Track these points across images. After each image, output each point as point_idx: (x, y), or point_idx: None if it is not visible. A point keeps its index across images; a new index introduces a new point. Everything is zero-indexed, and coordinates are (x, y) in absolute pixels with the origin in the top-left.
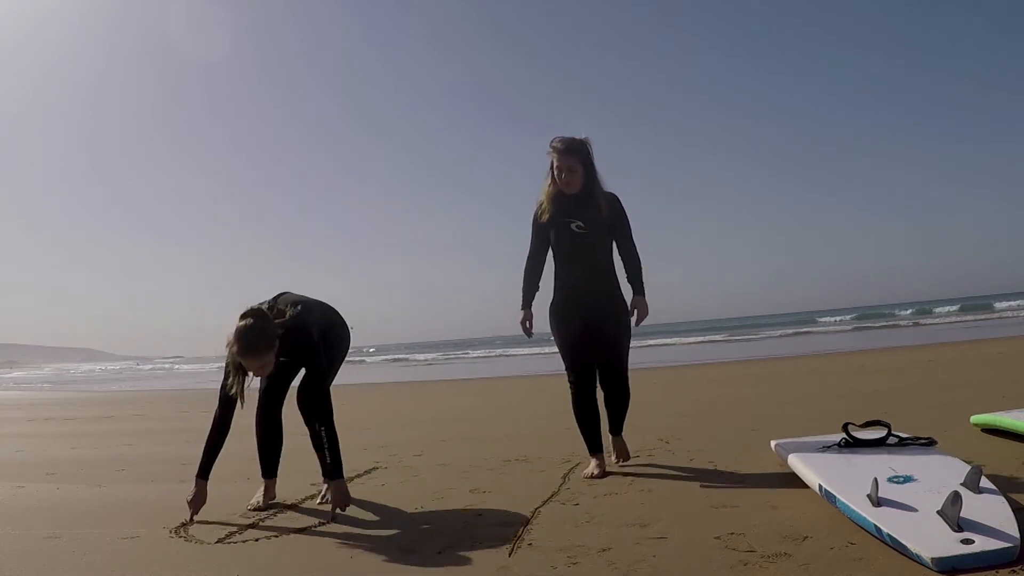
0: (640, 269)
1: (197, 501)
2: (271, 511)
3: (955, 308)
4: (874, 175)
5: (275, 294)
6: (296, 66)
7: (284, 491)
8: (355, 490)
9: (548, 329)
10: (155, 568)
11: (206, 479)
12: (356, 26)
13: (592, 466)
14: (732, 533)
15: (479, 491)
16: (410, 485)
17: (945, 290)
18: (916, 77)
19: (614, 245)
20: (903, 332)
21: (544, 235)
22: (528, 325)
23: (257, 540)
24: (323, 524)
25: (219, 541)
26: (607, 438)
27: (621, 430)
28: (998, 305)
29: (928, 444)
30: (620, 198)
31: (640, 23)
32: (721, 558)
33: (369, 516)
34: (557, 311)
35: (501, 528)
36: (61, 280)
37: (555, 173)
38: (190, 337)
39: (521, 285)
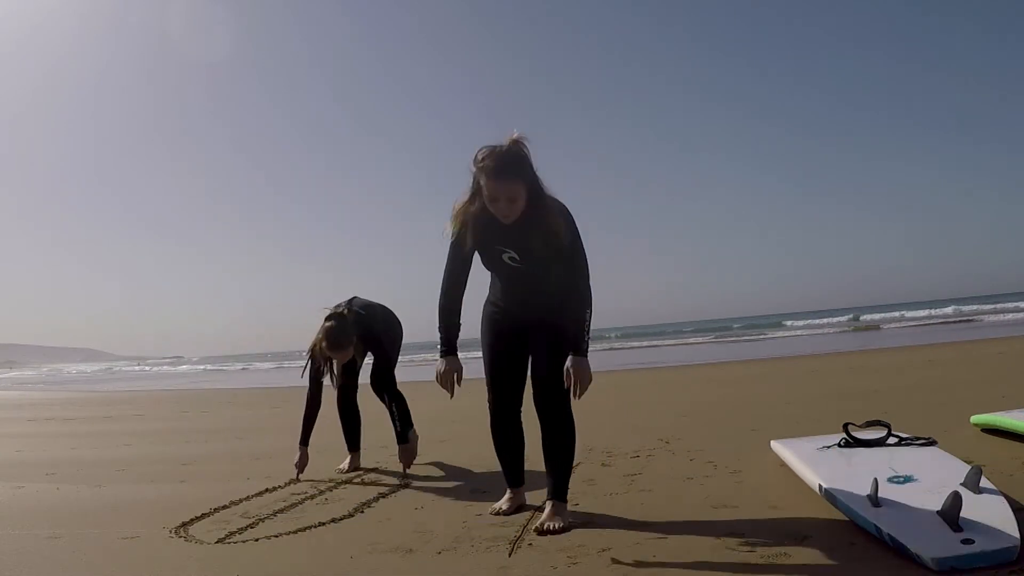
0: (584, 317)
1: (302, 463)
2: (271, 511)
3: (955, 308)
4: (875, 175)
5: (348, 298)
6: (296, 66)
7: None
8: (355, 491)
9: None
10: (155, 568)
11: (307, 445)
12: (355, 26)
13: (503, 500)
14: (732, 533)
15: (479, 491)
16: (410, 485)
17: (945, 290)
18: (916, 76)
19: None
20: (903, 332)
21: (466, 259)
22: (453, 380)
23: (257, 540)
24: (322, 524)
25: (219, 541)
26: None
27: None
28: (997, 305)
29: (928, 444)
30: (568, 208)
31: (639, 23)
32: (721, 558)
33: (369, 516)
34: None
35: (501, 528)
36: (61, 280)
37: (488, 203)
38: (190, 337)
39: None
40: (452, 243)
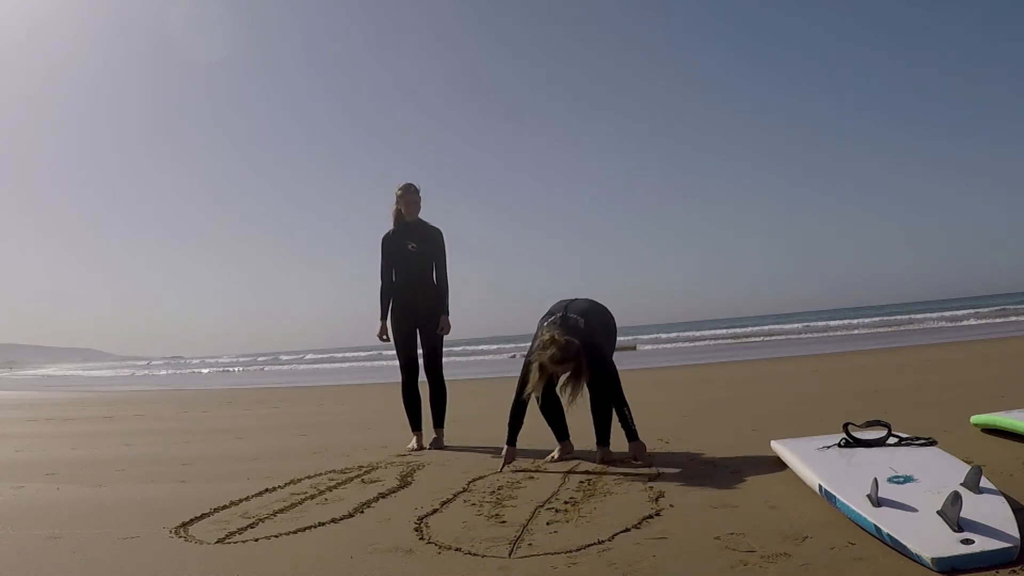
0: (621, 407)
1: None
2: (271, 511)
3: (955, 308)
4: (876, 176)
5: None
6: (295, 67)
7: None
8: (355, 491)
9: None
10: (155, 568)
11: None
12: (356, 27)
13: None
14: (732, 533)
15: (479, 491)
16: (410, 485)
17: (946, 290)
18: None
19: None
20: (903, 332)
21: (526, 399)
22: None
23: (257, 540)
24: (322, 524)
25: (219, 541)
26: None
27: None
28: (997, 306)
29: (928, 444)
30: (601, 350)
31: (641, 23)
32: (721, 558)
33: (369, 516)
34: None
35: (501, 528)
36: (61, 280)
37: (549, 367)
38: (190, 337)
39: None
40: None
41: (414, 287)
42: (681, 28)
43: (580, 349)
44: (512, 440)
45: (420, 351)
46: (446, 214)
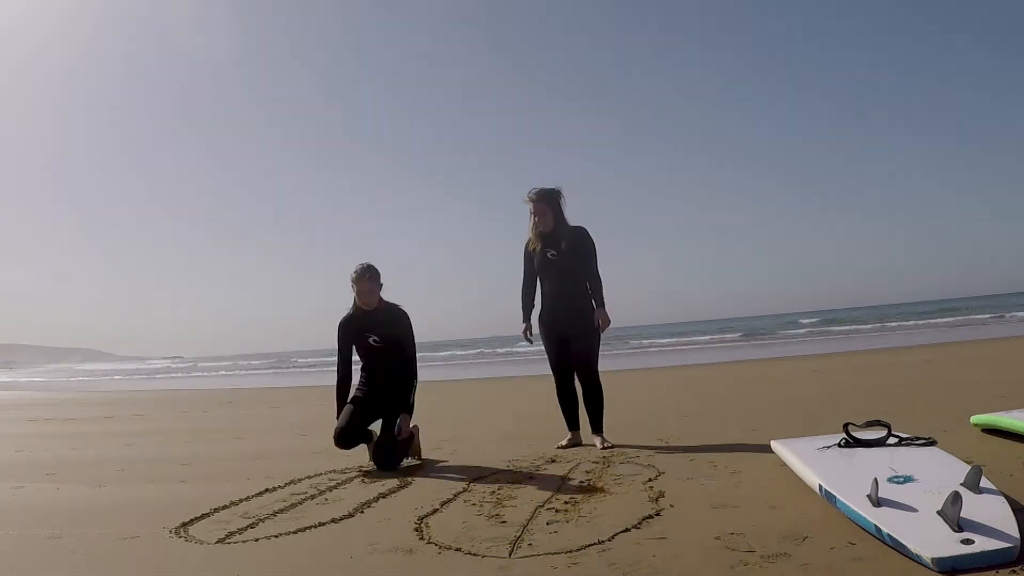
0: (600, 287)
1: (526, 333)
2: (271, 511)
3: (955, 309)
4: (877, 177)
5: None
6: (294, 68)
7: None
8: (355, 491)
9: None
10: (155, 568)
11: (577, 428)
12: (353, 29)
13: (566, 439)
14: (732, 533)
15: (480, 491)
16: (410, 485)
17: (945, 290)
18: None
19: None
20: (903, 332)
21: (530, 262)
22: (529, 334)
23: (257, 540)
24: (322, 524)
25: (219, 541)
26: (588, 431)
27: (601, 428)
28: (997, 306)
29: (928, 444)
30: (587, 229)
31: (635, 26)
32: (721, 558)
33: (369, 516)
34: (542, 320)
35: (501, 528)
36: (61, 280)
37: (533, 217)
38: (190, 337)
39: (521, 302)
40: (524, 251)
41: (379, 392)
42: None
43: (559, 193)
44: (527, 316)
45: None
46: (443, 215)
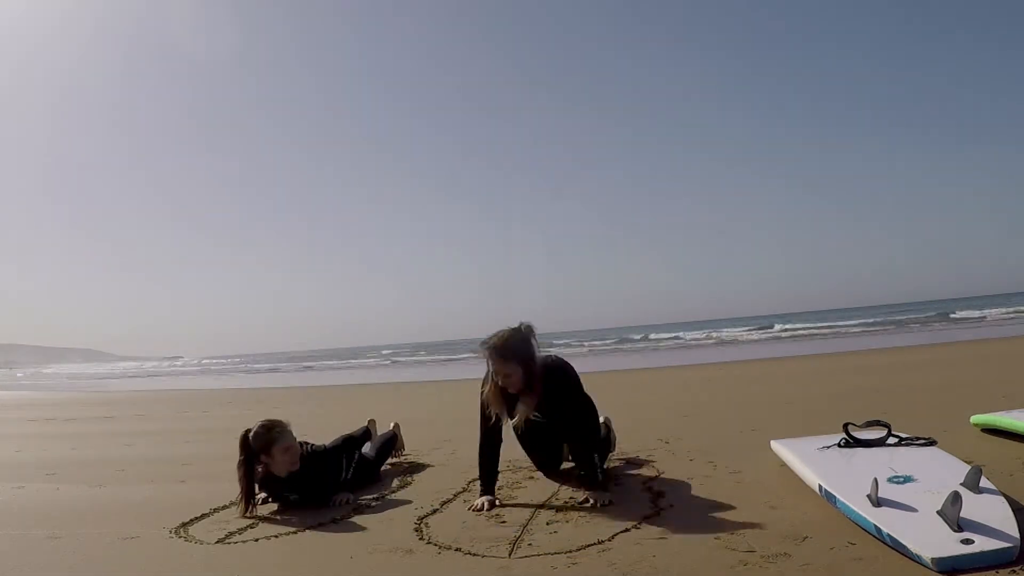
0: (590, 450)
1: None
2: (271, 511)
3: (955, 308)
4: (879, 177)
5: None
6: (292, 69)
7: None
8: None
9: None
10: (155, 568)
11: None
12: (353, 29)
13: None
14: (732, 533)
15: (479, 492)
16: (410, 485)
17: (945, 290)
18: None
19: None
20: (903, 332)
21: (495, 427)
22: (492, 507)
23: (257, 540)
24: (322, 524)
25: (219, 541)
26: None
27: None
28: (997, 306)
29: (928, 444)
30: (564, 368)
31: (636, 26)
32: (721, 558)
33: (369, 516)
34: None
35: (501, 528)
36: (61, 280)
37: (494, 377)
38: (190, 337)
39: (478, 469)
40: (482, 409)
41: None
42: (683, 32)
43: (528, 335)
44: (489, 488)
45: None
46: (443, 215)
